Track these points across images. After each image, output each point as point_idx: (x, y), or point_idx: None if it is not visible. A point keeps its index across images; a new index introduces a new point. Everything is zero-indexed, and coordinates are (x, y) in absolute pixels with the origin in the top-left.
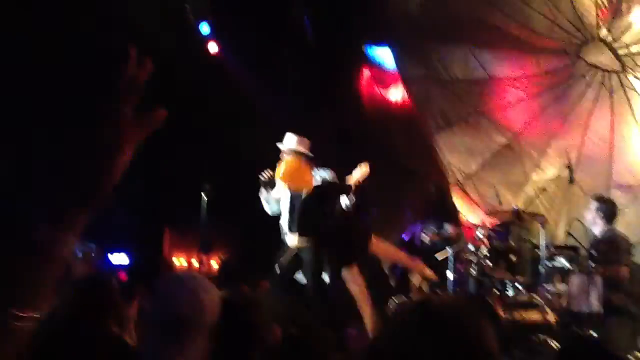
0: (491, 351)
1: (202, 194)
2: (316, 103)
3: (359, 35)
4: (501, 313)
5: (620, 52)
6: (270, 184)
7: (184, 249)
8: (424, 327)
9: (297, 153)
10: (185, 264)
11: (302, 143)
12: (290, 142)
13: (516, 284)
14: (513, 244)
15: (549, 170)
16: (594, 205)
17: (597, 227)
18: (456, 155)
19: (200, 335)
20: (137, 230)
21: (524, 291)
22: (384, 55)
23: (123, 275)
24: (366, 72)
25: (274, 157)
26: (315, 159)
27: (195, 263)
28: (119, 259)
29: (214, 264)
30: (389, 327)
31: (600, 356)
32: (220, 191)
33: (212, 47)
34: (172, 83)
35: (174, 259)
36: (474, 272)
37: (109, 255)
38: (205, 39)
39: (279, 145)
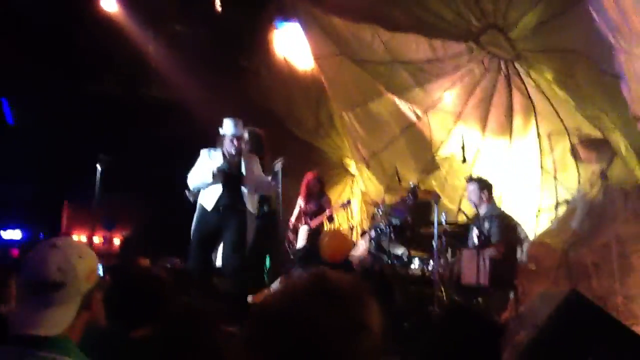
0: (370, 327)
1: (97, 164)
2: (221, 72)
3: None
4: (396, 287)
5: (515, 39)
6: (221, 178)
7: (85, 225)
8: (313, 296)
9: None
10: (85, 240)
11: (239, 125)
12: (230, 127)
13: (411, 258)
14: (409, 220)
15: (450, 148)
16: (474, 185)
17: (481, 206)
18: (364, 133)
19: (72, 301)
20: (33, 206)
21: (418, 266)
22: (294, 31)
23: (15, 251)
24: (275, 43)
25: (174, 125)
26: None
27: (97, 239)
28: (12, 234)
29: (117, 241)
30: (280, 293)
31: (473, 321)
32: (121, 163)
33: (110, 6)
34: (66, 46)
35: (74, 236)
36: (372, 248)
37: (2, 232)
38: None
39: (221, 131)
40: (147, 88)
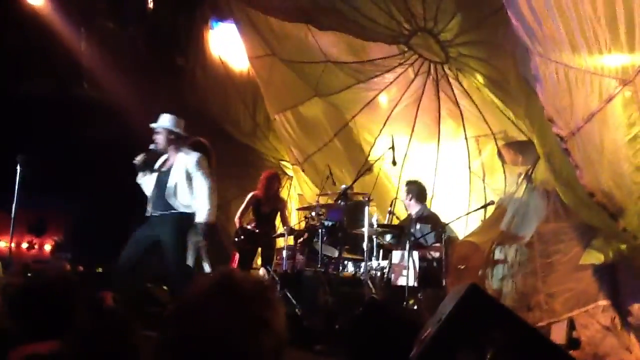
0: (272, 325)
1: (17, 165)
2: (155, 71)
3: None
4: (328, 288)
5: (445, 42)
6: (148, 165)
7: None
8: (215, 295)
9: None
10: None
11: (178, 124)
12: (164, 121)
13: (343, 260)
14: (343, 222)
15: (380, 151)
16: (404, 188)
17: (412, 208)
18: (296, 136)
19: None
20: None
21: (350, 267)
22: (230, 31)
23: None
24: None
25: (106, 125)
26: (187, 139)
27: (25, 245)
28: None
29: (47, 247)
30: (188, 294)
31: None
32: (48, 165)
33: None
34: None
35: None
36: (305, 249)
37: None
38: None
39: (153, 125)
40: (78, 87)
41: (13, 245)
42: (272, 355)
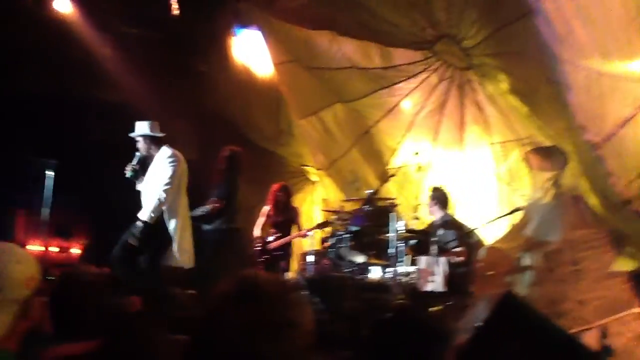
0: (298, 324)
1: (46, 170)
2: (177, 77)
3: (227, 15)
4: (354, 293)
5: (468, 49)
6: (138, 173)
7: (41, 235)
8: (238, 299)
9: (146, 137)
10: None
11: (154, 127)
12: (143, 129)
13: (369, 266)
14: (368, 227)
15: (404, 157)
16: (428, 194)
17: (436, 214)
18: (320, 141)
19: (7, 308)
20: None
21: (376, 272)
22: (254, 38)
23: None
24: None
25: (125, 130)
26: (166, 139)
27: (54, 249)
28: None
29: (76, 250)
30: (211, 297)
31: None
32: (72, 170)
33: (62, 7)
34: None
35: (29, 246)
36: (331, 255)
37: None
38: None
39: (132, 135)
40: (102, 92)
41: (43, 248)
42: (302, 355)
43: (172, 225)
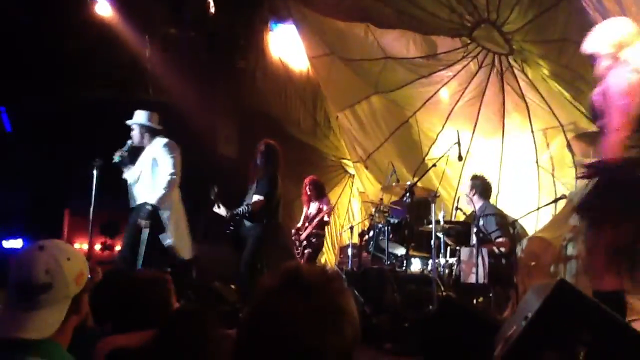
0: (349, 311)
1: (94, 169)
2: (216, 74)
3: (263, 11)
4: (394, 286)
5: (508, 34)
6: (126, 161)
7: (87, 233)
8: (285, 292)
9: (142, 126)
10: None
11: (152, 118)
12: (140, 118)
13: (409, 258)
14: (408, 219)
15: (442, 146)
16: (469, 183)
17: (476, 203)
18: (358, 133)
19: (60, 304)
20: (34, 215)
21: (417, 265)
22: (290, 32)
23: None
24: (270, 44)
25: (169, 128)
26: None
27: (98, 247)
28: (13, 244)
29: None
30: (256, 291)
31: (465, 317)
32: (117, 169)
33: (104, 10)
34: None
35: (76, 244)
36: (370, 247)
37: (3, 242)
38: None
39: (129, 122)
40: (143, 92)
41: (87, 246)
42: (352, 344)
43: (164, 215)
